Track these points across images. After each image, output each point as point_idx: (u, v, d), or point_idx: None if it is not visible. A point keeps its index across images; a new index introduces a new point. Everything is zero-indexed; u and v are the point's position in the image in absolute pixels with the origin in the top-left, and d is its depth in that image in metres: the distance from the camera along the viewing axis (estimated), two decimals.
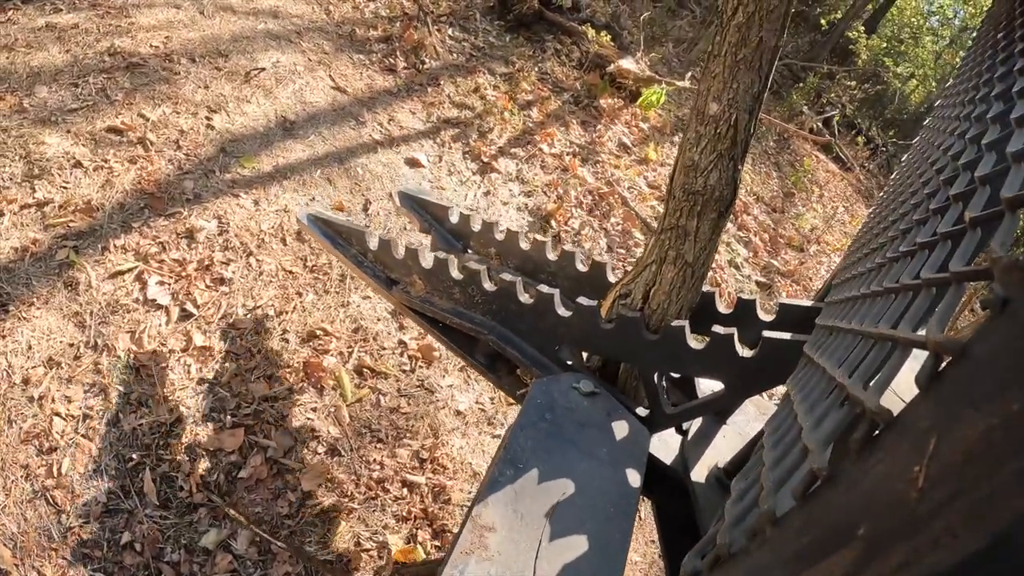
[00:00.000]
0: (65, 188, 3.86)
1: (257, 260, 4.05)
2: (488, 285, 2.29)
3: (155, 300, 3.57)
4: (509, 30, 8.00)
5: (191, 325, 3.60)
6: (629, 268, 2.20)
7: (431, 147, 5.90)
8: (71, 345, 3.28)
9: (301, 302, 3.99)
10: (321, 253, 4.27)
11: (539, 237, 2.63)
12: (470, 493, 3.57)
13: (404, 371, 4.00)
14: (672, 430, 2.17)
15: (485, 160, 6.01)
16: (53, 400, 3.09)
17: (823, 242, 8.42)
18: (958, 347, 0.52)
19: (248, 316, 3.77)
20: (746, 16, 1.60)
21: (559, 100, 7.37)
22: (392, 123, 5.89)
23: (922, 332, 0.68)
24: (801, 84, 12.58)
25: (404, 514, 3.38)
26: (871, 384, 0.73)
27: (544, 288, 2.18)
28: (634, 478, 1.74)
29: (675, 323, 1.92)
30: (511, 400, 3.89)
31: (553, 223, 5.71)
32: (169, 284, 3.68)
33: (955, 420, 0.47)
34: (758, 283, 6.69)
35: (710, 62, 1.71)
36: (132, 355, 3.36)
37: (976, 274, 0.63)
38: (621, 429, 1.90)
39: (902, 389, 0.80)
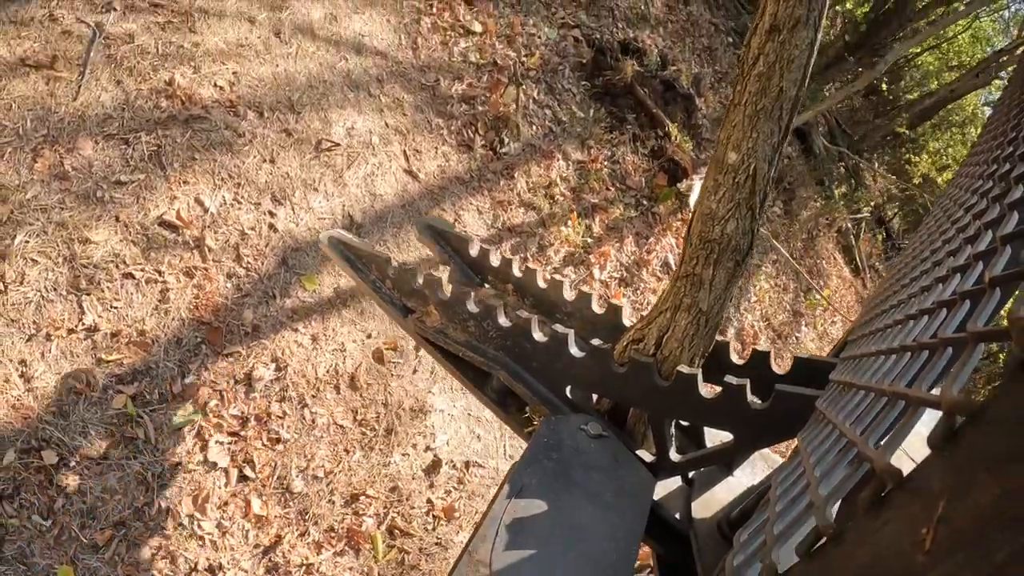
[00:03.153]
0: (115, 308, 3.54)
1: (311, 412, 3.98)
2: (504, 321, 2.29)
3: (215, 462, 3.55)
4: (594, 97, 7.41)
5: (248, 488, 3.60)
6: (645, 313, 2.19)
7: None
8: (137, 509, 3.26)
9: (348, 461, 4.00)
10: (371, 404, 4.23)
11: (557, 277, 2.63)
12: None
13: (427, 529, 4.12)
14: (678, 478, 2.14)
15: None
16: (123, 562, 3.13)
17: None
18: (973, 408, 0.51)
19: (300, 478, 3.80)
20: (767, 66, 1.61)
21: (622, 202, 6.94)
22: (457, 223, 5.41)
23: (936, 391, 0.67)
24: (844, 168, 12.50)
25: None
26: (882, 442, 0.72)
27: (559, 328, 2.17)
28: (636, 525, 1.71)
29: (687, 371, 1.90)
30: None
31: None
32: (228, 445, 3.64)
33: (968, 483, 0.46)
34: None
35: (731, 111, 1.72)
36: (195, 522, 3.38)
37: (994, 335, 0.62)
38: (626, 474, 1.87)
39: (914, 449, 0.79)
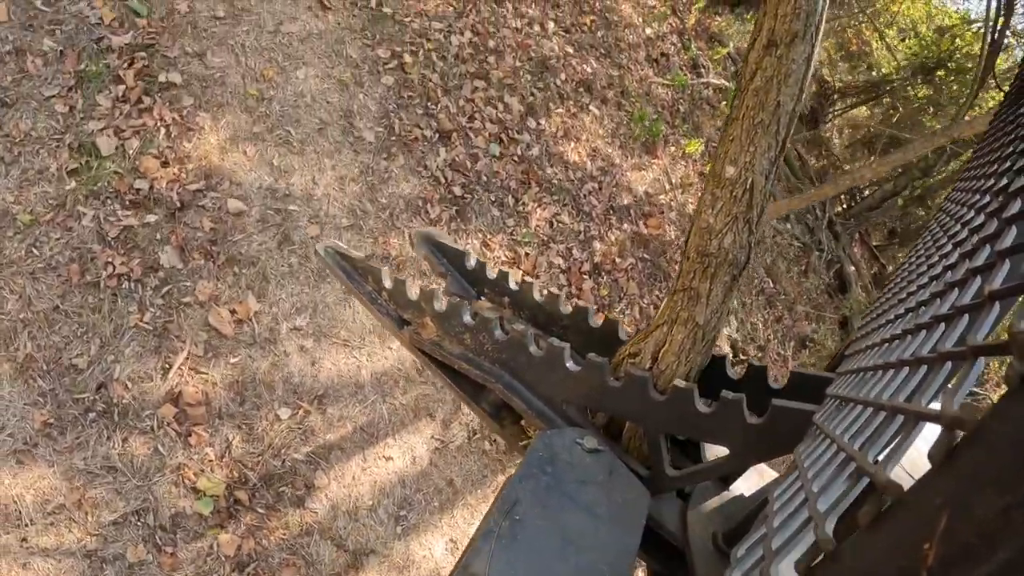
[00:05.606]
0: None
1: None
2: (499, 334, 2.28)
3: None
4: None
5: None
6: (642, 328, 2.18)
7: None
8: None
9: None
10: None
11: (553, 291, 2.62)
12: None
13: None
14: (673, 493, 2.13)
15: None
16: None
17: None
18: (974, 422, 0.50)
19: None
20: (764, 80, 1.61)
21: None
22: None
23: (936, 405, 0.66)
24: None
25: None
26: (881, 457, 0.71)
27: (555, 341, 2.17)
28: (631, 540, 1.70)
29: (683, 385, 1.89)
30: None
31: None
32: None
33: (970, 498, 0.46)
34: None
35: (729, 126, 1.72)
36: None
37: (994, 349, 0.61)
38: (622, 489, 1.86)
39: (914, 464, 0.78)
